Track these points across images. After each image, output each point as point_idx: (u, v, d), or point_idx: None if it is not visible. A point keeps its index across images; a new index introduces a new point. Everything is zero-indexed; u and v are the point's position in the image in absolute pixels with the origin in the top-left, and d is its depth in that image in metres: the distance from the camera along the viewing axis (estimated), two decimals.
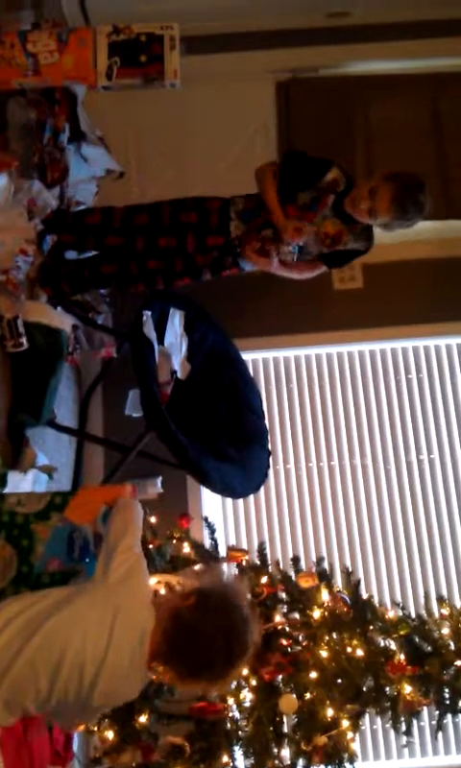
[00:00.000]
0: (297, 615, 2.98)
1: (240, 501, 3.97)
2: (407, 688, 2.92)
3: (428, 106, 4.45)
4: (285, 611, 3.00)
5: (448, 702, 3.00)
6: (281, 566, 3.15)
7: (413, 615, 3.12)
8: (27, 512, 2.04)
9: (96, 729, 2.56)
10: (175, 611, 1.75)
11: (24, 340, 2.65)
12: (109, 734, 2.58)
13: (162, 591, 2.42)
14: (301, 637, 2.93)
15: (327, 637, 2.91)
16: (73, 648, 1.67)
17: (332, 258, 3.22)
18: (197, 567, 2.35)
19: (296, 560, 3.15)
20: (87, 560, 1.99)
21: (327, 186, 3.05)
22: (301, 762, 2.83)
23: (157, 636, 1.73)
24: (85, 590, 1.78)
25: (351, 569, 3.25)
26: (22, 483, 2.59)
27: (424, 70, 4.46)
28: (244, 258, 3.13)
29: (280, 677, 2.86)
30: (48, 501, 2.06)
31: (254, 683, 2.81)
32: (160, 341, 3.17)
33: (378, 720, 3.19)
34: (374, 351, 4.24)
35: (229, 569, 2.38)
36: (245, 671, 2.83)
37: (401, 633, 3.01)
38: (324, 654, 2.88)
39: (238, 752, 2.78)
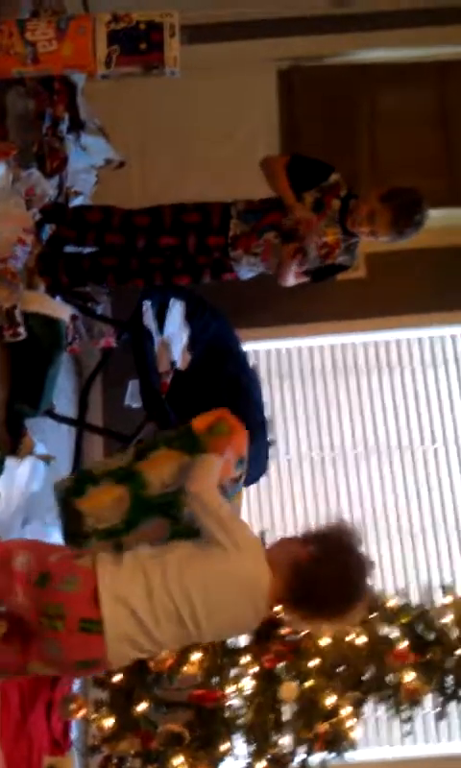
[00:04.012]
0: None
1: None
2: (409, 676, 2.92)
3: (434, 94, 4.44)
4: None
5: (450, 690, 3.00)
6: None
7: (415, 604, 3.12)
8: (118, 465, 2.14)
9: (94, 717, 2.57)
10: (294, 562, 1.87)
11: (22, 330, 2.65)
12: (108, 722, 2.59)
13: None
14: None
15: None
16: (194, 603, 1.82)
17: (317, 272, 3.22)
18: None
19: None
20: None
21: (330, 188, 3.07)
22: (301, 750, 2.83)
23: (278, 585, 1.87)
24: (217, 555, 1.87)
25: None
26: (19, 469, 2.60)
27: (430, 58, 4.43)
28: (238, 261, 3.12)
29: (281, 664, 2.86)
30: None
31: (254, 670, 2.82)
32: (161, 331, 3.17)
33: (381, 708, 3.20)
34: (377, 341, 4.24)
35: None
36: (247, 658, 2.85)
37: (404, 621, 3.01)
38: (325, 641, 2.88)
39: (238, 739, 2.79)
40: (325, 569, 1.86)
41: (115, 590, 1.79)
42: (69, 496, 2.10)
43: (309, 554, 1.88)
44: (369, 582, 1.93)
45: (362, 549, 1.95)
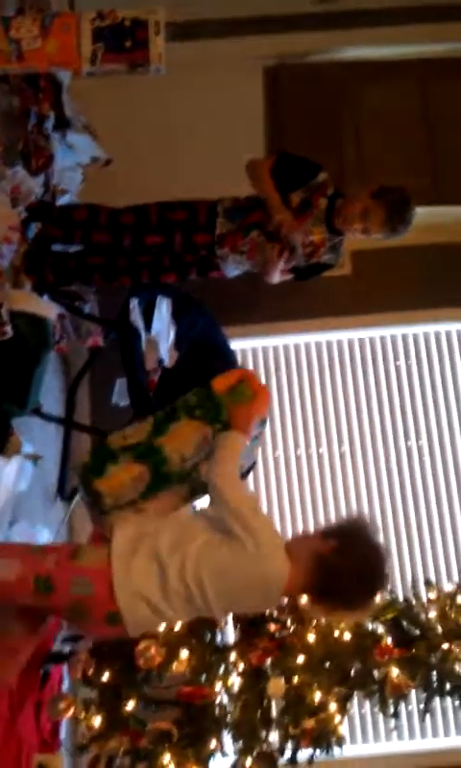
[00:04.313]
0: (284, 599, 2.99)
1: None
2: (395, 671, 2.94)
3: (418, 92, 4.45)
4: None
5: (435, 685, 3.02)
6: None
7: (401, 599, 3.14)
8: (137, 440, 2.10)
9: (83, 716, 2.57)
10: (316, 555, 1.92)
11: (9, 328, 2.63)
12: (97, 721, 2.59)
13: None
14: (288, 622, 2.94)
15: (314, 621, 2.92)
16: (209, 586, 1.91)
17: (302, 270, 3.22)
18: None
19: None
20: None
21: (318, 187, 3.07)
22: (289, 746, 2.84)
23: (299, 578, 1.92)
24: (236, 551, 1.90)
25: None
26: (6, 469, 2.59)
27: (414, 56, 4.45)
28: (224, 259, 3.12)
29: (268, 661, 2.87)
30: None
31: (241, 667, 2.83)
32: (148, 329, 3.17)
33: (367, 703, 3.22)
34: (362, 338, 4.26)
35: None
36: (232, 657, 2.85)
37: (389, 616, 3.02)
38: (311, 638, 2.90)
39: (227, 736, 2.80)
40: (347, 562, 1.91)
41: (130, 587, 1.88)
42: (89, 475, 2.07)
43: (331, 547, 1.92)
44: (388, 572, 2.00)
45: (380, 540, 2.01)
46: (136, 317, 3.08)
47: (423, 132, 4.41)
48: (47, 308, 2.86)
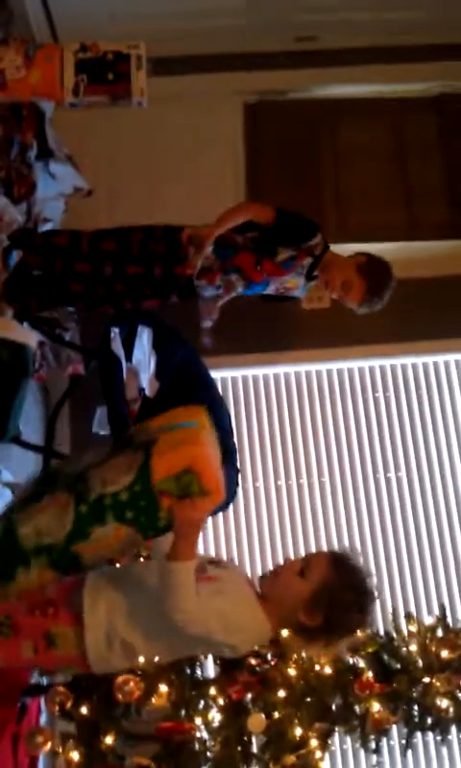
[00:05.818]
0: None
1: (208, 519, 3.95)
2: (376, 706, 2.89)
3: (393, 130, 4.54)
4: None
5: (416, 720, 2.98)
6: None
7: (381, 632, 3.10)
8: (53, 542, 1.92)
9: (61, 750, 2.51)
10: (302, 626, 2.10)
11: None
12: (75, 756, 2.52)
13: None
14: (269, 656, 2.90)
15: (295, 655, 2.88)
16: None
17: (270, 296, 3.25)
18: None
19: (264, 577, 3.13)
20: None
21: (308, 248, 3.07)
22: None
23: (279, 623, 2.13)
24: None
25: None
26: None
27: (390, 95, 4.55)
28: (202, 288, 3.13)
29: (249, 696, 2.82)
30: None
31: (221, 702, 2.77)
32: (128, 358, 3.16)
33: (348, 739, 3.17)
34: (341, 370, 4.28)
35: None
36: (212, 691, 2.80)
37: (369, 650, 2.98)
38: (292, 672, 2.85)
39: None
40: (337, 620, 2.11)
41: (109, 669, 2.17)
42: None
43: (319, 621, 2.06)
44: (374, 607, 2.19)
45: (367, 573, 2.17)
46: (117, 346, 3.06)
47: (398, 170, 4.49)
48: (27, 335, 2.85)
